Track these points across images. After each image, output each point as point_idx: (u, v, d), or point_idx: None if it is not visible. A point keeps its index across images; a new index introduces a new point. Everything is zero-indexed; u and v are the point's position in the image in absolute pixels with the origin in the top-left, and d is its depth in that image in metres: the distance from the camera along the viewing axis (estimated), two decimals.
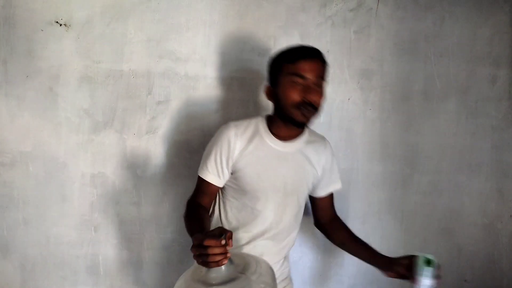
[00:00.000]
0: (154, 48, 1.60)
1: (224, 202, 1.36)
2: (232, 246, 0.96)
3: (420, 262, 1.14)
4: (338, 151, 1.72)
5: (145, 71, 1.61)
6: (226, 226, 1.34)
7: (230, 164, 1.28)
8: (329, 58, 1.67)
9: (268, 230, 1.32)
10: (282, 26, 1.65)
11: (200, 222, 1.18)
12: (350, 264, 1.78)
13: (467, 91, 1.75)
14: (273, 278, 1.05)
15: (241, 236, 1.32)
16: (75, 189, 1.62)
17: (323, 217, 1.50)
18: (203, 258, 0.94)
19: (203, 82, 1.63)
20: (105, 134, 1.61)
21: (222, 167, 1.28)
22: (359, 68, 1.71)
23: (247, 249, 1.31)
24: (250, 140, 1.28)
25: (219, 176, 1.29)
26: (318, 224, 1.52)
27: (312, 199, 1.48)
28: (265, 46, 1.63)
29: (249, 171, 1.27)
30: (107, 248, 1.66)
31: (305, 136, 1.34)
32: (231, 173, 1.30)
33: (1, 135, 1.56)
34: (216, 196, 1.38)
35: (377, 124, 1.74)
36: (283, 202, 1.31)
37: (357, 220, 1.76)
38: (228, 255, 0.95)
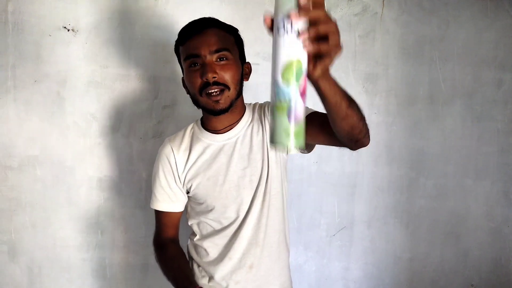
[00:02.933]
0: (161, 52, 1.62)
1: (194, 245, 1.24)
2: None
3: None
4: (343, 155, 1.73)
5: (152, 76, 1.62)
6: (206, 262, 1.21)
7: (179, 182, 1.16)
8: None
9: (252, 242, 1.15)
10: None
11: (181, 268, 1.11)
12: (356, 268, 1.78)
13: (473, 95, 1.75)
14: None
15: (225, 266, 1.17)
16: (82, 193, 1.63)
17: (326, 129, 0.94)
18: None
19: None
20: (112, 138, 1.63)
21: (172, 190, 1.17)
22: (364, 72, 1.71)
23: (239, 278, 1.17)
24: (190, 148, 1.16)
25: (172, 201, 1.18)
26: (338, 137, 0.92)
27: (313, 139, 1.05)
28: (270, 51, 1.64)
29: (201, 181, 1.14)
30: (113, 251, 1.67)
31: (245, 116, 1.17)
32: (187, 192, 1.18)
33: (9, 139, 1.58)
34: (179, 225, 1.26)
35: (382, 128, 1.74)
36: (255, 200, 1.13)
37: (363, 224, 1.76)
38: None
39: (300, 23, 0.59)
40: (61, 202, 1.63)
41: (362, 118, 0.85)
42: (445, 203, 1.78)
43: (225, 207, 1.14)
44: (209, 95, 1.05)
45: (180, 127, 1.63)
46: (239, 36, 1.16)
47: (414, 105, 1.74)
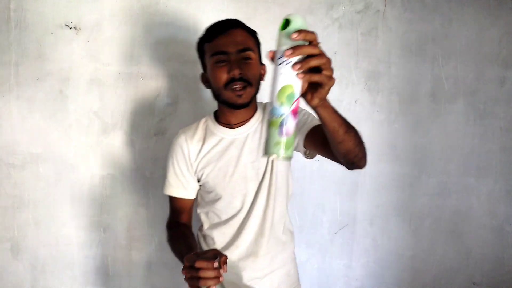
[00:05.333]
0: (163, 50, 1.62)
1: (203, 235, 1.30)
2: (226, 270, 0.91)
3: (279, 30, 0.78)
4: None
5: (154, 74, 1.62)
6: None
7: (192, 171, 1.24)
8: (336, 60, 1.68)
9: (258, 232, 1.23)
10: None
11: (187, 242, 1.14)
12: (358, 266, 1.78)
13: (475, 92, 1.75)
14: None
15: (232, 254, 1.23)
16: (85, 190, 1.64)
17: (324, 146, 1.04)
18: (194, 281, 0.90)
19: None
20: (114, 135, 1.63)
21: (185, 177, 1.24)
22: (366, 69, 1.71)
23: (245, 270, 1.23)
24: (203, 140, 1.24)
25: (185, 188, 1.25)
26: (340, 158, 1.00)
27: (312, 146, 1.16)
28: (269, 48, 1.63)
29: (212, 170, 1.21)
30: (116, 249, 1.68)
31: (257, 113, 1.25)
32: (198, 181, 1.25)
33: (12, 137, 1.58)
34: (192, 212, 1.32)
35: (384, 125, 1.74)
36: (260, 192, 1.21)
37: (365, 222, 1.76)
38: (221, 279, 0.90)
39: (295, 58, 0.70)
40: (64, 199, 1.63)
41: (359, 143, 0.93)
42: (447, 201, 1.78)
43: (232, 197, 1.21)
44: (234, 90, 1.12)
45: (182, 125, 1.64)
46: (258, 38, 1.22)
47: (417, 103, 1.74)
